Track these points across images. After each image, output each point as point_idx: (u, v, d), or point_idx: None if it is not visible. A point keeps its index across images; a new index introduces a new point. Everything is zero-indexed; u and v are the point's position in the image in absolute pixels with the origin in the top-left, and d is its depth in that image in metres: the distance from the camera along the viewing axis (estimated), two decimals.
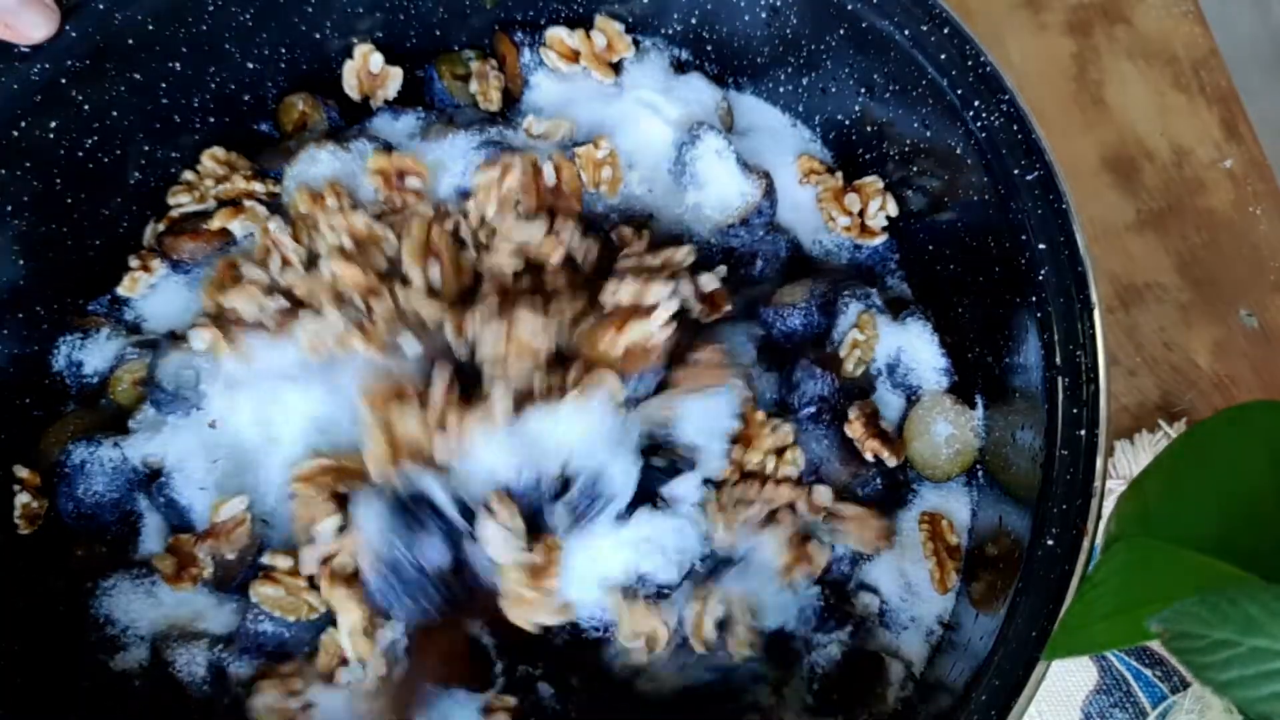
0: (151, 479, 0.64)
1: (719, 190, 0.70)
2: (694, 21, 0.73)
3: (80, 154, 0.65)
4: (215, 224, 0.69)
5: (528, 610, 0.57)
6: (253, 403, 0.64)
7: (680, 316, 0.61)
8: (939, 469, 0.65)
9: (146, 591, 0.63)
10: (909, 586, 0.65)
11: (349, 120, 0.75)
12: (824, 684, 0.63)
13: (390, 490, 0.57)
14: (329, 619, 0.61)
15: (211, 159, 0.71)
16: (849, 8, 0.63)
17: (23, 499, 0.64)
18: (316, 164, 0.69)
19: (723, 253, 0.71)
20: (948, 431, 0.65)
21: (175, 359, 0.65)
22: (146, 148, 0.69)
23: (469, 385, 0.60)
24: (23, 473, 0.65)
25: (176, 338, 0.67)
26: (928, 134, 0.65)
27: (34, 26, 0.59)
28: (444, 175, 0.69)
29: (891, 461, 0.64)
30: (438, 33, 0.76)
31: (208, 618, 0.63)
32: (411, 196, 0.67)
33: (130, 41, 0.64)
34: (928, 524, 0.65)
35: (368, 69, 0.74)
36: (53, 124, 0.63)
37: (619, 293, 0.60)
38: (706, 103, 0.73)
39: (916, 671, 0.64)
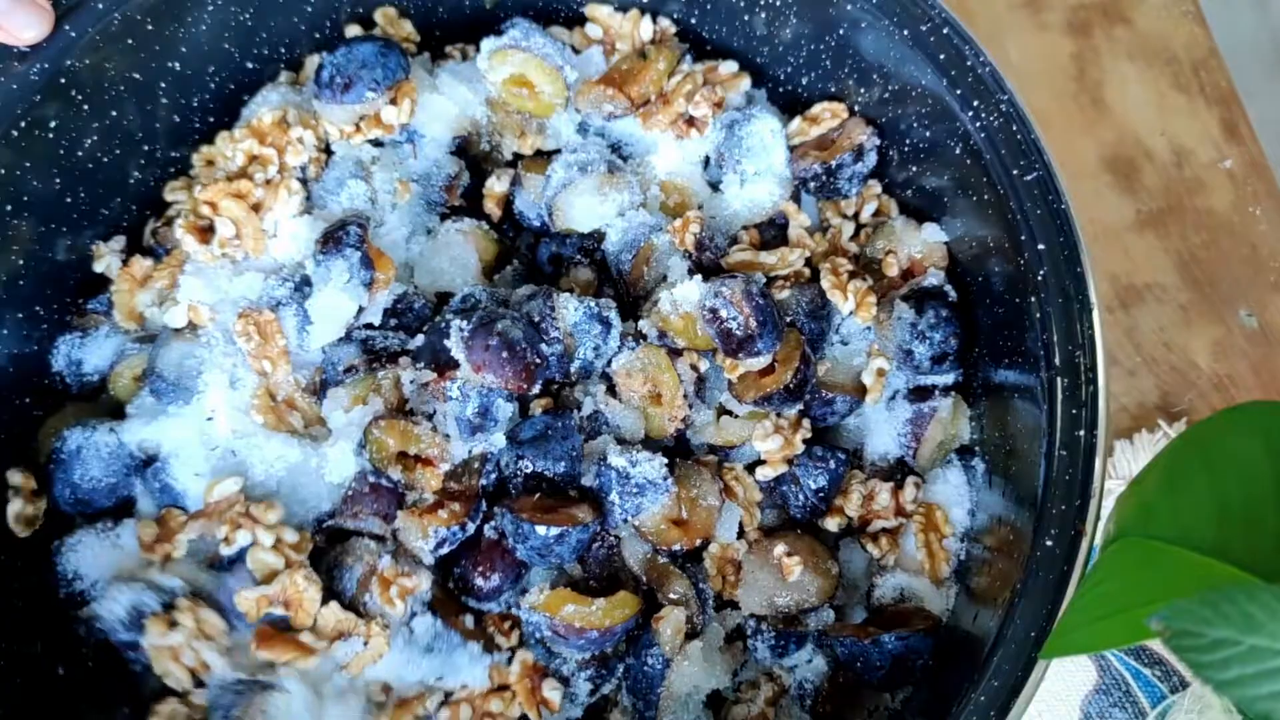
0: (147, 464, 0.65)
1: (756, 180, 0.70)
2: (693, 21, 0.73)
3: (80, 154, 0.65)
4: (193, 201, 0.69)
5: None
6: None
7: None
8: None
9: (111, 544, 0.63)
10: (904, 589, 0.65)
11: None
12: (815, 698, 0.64)
13: None
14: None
15: (200, 159, 0.72)
16: (849, 8, 0.63)
17: (15, 506, 0.64)
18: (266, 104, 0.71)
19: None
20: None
21: (177, 349, 0.65)
22: (146, 148, 0.69)
23: None
24: (16, 479, 0.65)
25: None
26: (928, 134, 0.65)
27: (26, 27, 0.59)
28: None
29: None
30: (437, 33, 0.76)
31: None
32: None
33: (130, 41, 0.64)
34: (922, 515, 0.65)
35: None
36: (53, 124, 0.63)
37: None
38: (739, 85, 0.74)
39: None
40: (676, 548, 0.63)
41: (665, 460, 0.62)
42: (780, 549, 0.63)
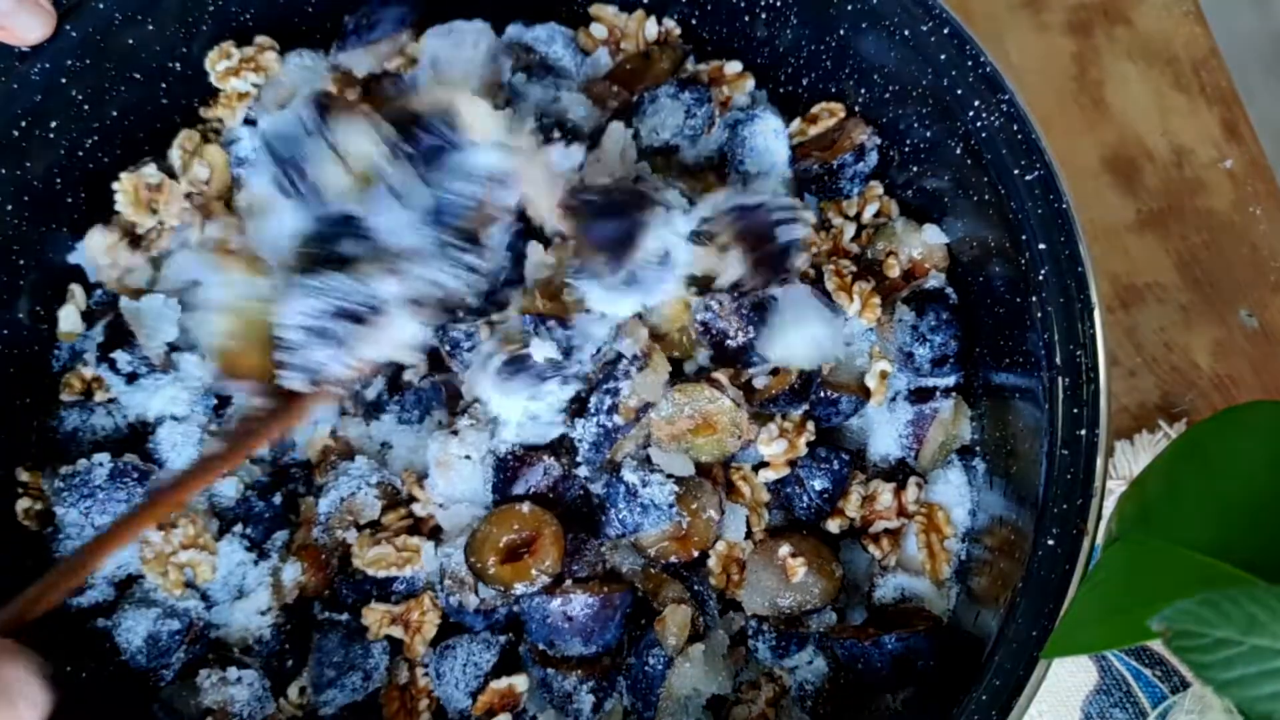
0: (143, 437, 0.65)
1: (760, 180, 0.70)
2: (694, 22, 0.73)
3: (80, 154, 0.65)
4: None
5: None
6: None
7: None
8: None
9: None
10: (904, 590, 0.65)
11: None
12: (816, 699, 0.63)
13: None
14: None
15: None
16: (849, 9, 0.63)
17: (23, 504, 0.64)
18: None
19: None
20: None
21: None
22: (148, 148, 0.69)
23: None
24: (24, 475, 0.65)
25: None
26: (928, 134, 0.65)
27: (29, 28, 0.59)
28: None
29: None
30: None
31: None
32: None
33: (130, 41, 0.64)
34: (924, 515, 0.65)
35: None
36: (53, 124, 0.63)
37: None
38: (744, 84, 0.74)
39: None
40: (672, 560, 0.63)
41: (676, 488, 0.62)
42: (785, 550, 0.63)
